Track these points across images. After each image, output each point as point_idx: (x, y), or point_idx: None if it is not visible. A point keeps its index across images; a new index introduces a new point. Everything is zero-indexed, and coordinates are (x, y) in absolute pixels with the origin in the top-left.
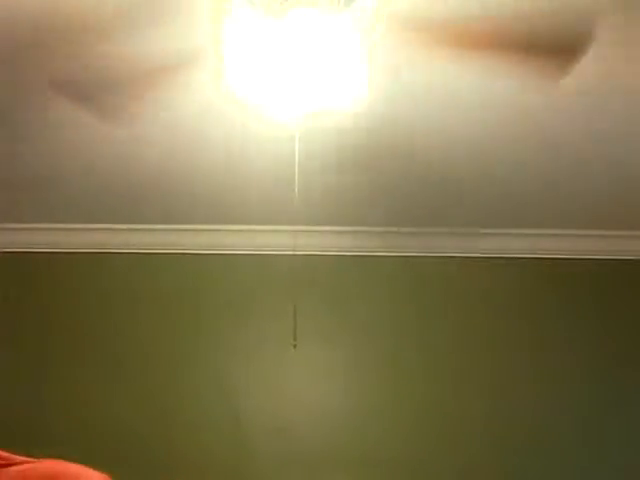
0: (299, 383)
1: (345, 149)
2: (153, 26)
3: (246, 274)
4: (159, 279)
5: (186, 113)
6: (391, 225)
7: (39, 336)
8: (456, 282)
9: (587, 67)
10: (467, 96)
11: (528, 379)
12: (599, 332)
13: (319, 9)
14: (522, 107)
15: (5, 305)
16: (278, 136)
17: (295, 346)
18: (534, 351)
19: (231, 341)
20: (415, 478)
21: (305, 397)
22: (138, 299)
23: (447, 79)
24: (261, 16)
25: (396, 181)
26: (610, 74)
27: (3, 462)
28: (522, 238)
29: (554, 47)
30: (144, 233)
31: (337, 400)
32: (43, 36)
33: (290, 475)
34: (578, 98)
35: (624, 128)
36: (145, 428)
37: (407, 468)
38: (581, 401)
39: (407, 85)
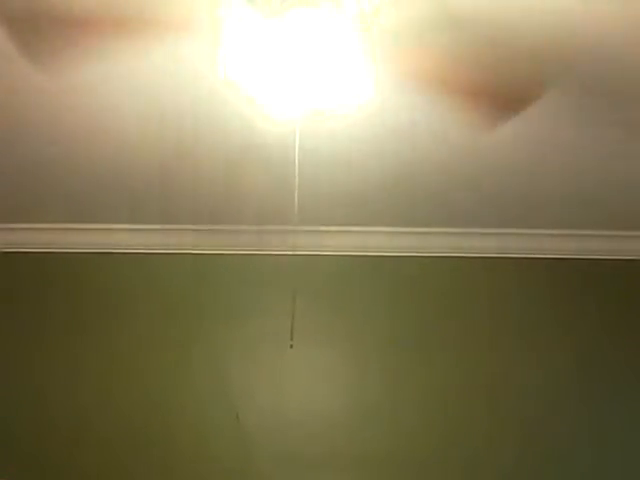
0: (299, 383)
1: (345, 149)
2: (156, 32)
3: (245, 274)
4: (159, 279)
5: (186, 113)
6: (391, 225)
7: (38, 336)
8: (456, 282)
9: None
10: None
11: (528, 379)
12: (599, 332)
13: (319, 9)
14: None
15: (4, 305)
16: (278, 135)
17: (292, 346)
18: (534, 351)
19: (231, 341)
20: (415, 478)
21: (305, 397)
22: (138, 299)
23: None
24: (261, 15)
25: (396, 181)
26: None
27: None
28: (522, 238)
29: (503, 97)
30: (144, 233)
31: (337, 400)
32: None
33: (290, 475)
34: None
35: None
36: (144, 428)
37: (407, 468)
38: (581, 399)
39: (407, 84)
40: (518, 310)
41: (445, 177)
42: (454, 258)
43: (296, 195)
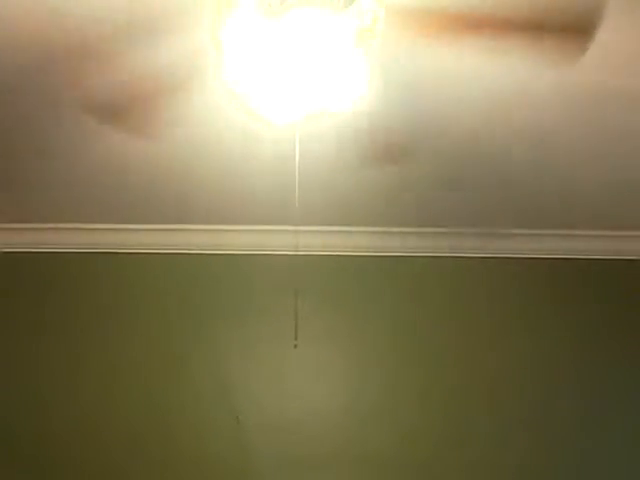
0: (299, 383)
1: (345, 149)
2: (155, 34)
3: (246, 274)
4: (159, 279)
5: (186, 114)
6: (391, 225)
7: (38, 336)
8: (456, 282)
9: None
10: (468, 88)
11: (528, 379)
12: (599, 332)
13: (319, 9)
14: (525, 95)
15: (4, 305)
16: (278, 136)
17: (296, 346)
18: (534, 351)
19: (232, 341)
20: (415, 477)
21: (305, 397)
22: (138, 299)
23: (448, 74)
24: (261, 16)
25: (396, 181)
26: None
27: None
28: (522, 238)
29: (560, 29)
30: (144, 233)
31: (337, 400)
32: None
33: (290, 475)
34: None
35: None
36: (144, 428)
37: (407, 467)
38: (582, 399)
39: (407, 85)
40: (518, 310)
41: (445, 177)
42: (454, 258)
43: (296, 195)
